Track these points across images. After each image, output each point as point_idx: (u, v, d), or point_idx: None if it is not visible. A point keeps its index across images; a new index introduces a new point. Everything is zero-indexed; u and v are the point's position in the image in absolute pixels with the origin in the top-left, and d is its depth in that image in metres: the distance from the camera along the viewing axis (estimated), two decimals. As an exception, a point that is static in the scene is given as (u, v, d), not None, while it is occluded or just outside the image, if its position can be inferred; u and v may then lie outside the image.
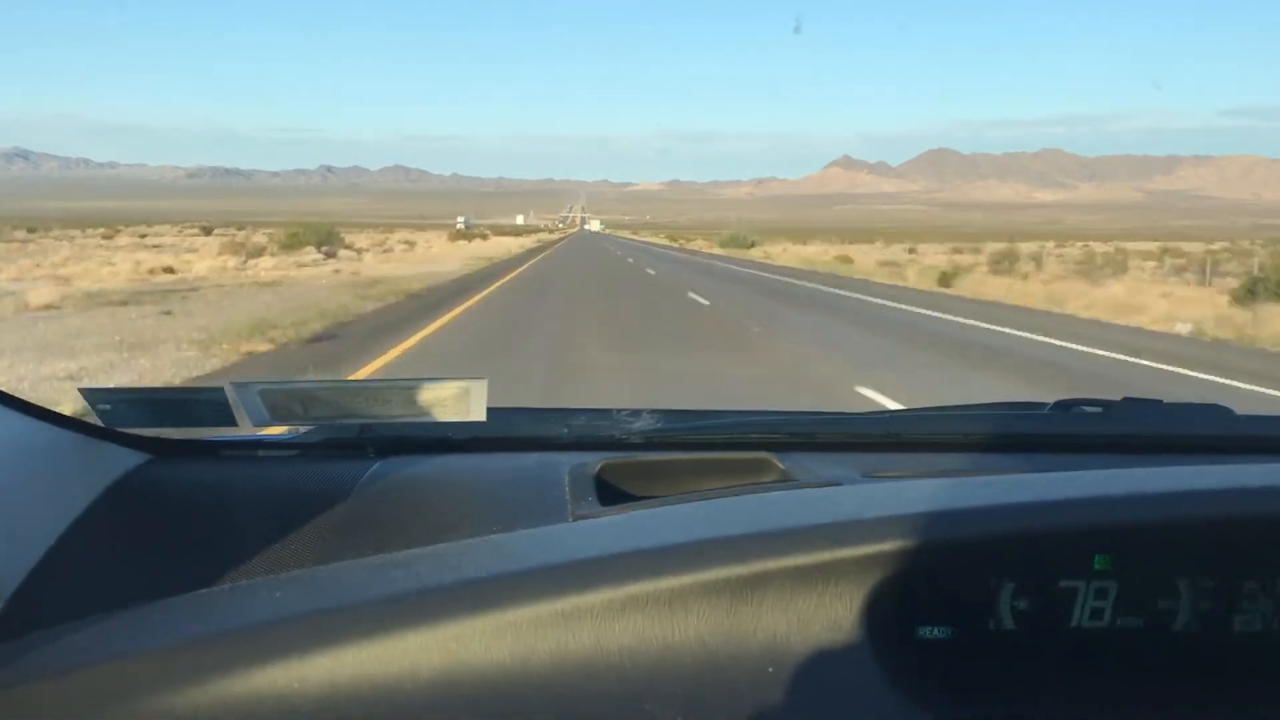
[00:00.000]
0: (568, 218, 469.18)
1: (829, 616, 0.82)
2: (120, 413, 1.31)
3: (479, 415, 1.27)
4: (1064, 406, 1.70)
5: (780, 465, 1.39)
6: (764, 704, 0.78)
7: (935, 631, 0.91)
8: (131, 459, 1.32)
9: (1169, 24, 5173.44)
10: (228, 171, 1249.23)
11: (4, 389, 1.17)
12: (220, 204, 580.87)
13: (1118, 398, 1.71)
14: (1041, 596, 0.91)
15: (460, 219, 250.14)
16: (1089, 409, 1.68)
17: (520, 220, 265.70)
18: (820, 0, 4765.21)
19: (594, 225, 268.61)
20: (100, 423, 1.29)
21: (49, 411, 1.22)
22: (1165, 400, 1.72)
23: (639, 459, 1.40)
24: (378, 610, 0.78)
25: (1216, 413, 1.69)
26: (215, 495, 1.31)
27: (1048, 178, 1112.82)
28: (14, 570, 1.04)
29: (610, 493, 1.29)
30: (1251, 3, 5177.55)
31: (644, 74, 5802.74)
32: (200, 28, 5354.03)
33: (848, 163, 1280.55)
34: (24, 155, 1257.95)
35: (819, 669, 0.80)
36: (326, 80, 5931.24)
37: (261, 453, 1.43)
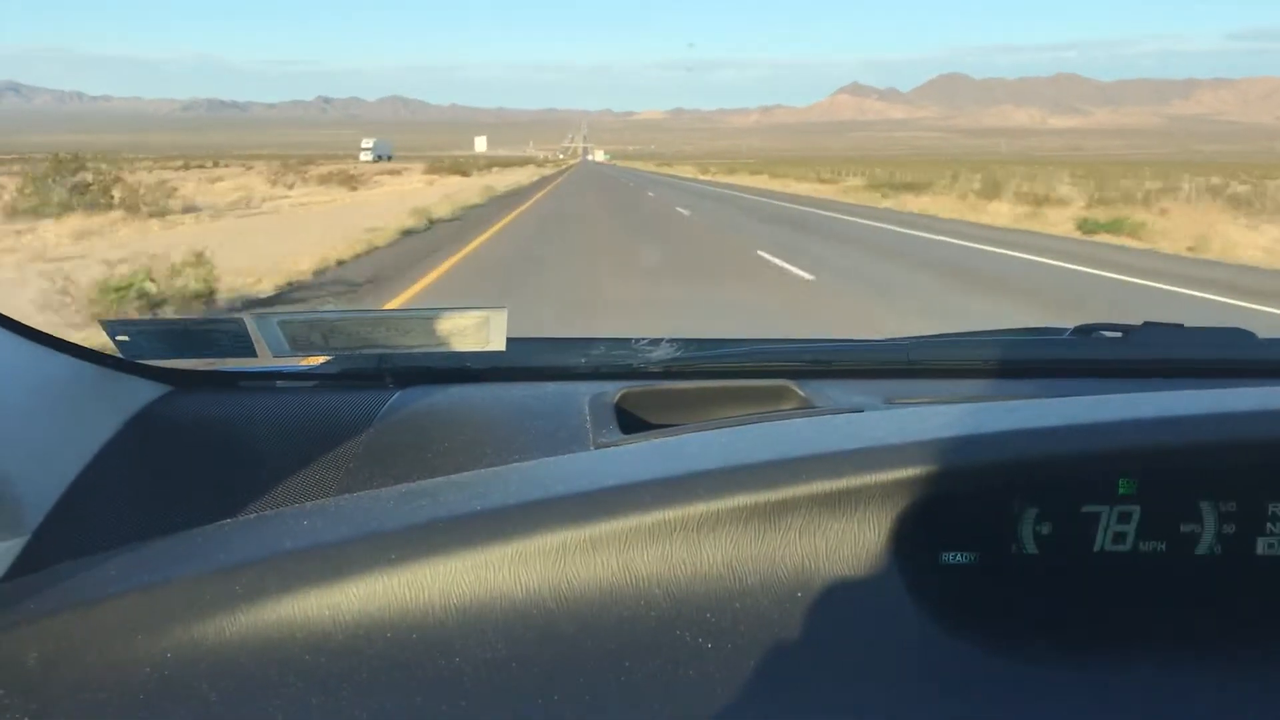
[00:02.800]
0: (569, 147, 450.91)
1: (857, 542, 0.83)
2: (139, 344, 1.30)
3: (499, 345, 1.28)
4: (1084, 331, 1.70)
5: (800, 392, 1.39)
6: (792, 629, 0.79)
7: (959, 557, 0.91)
8: (152, 391, 1.33)
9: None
10: (223, 104, 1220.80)
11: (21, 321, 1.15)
12: (216, 137, 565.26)
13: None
14: (1064, 521, 0.92)
15: (367, 144, 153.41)
16: (1109, 333, 1.68)
17: (481, 147, 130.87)
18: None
19: (598, 155, 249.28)
20: (120, 354, 1.29)
21: (68, 343, 1.22)
22: (1187, 324, 1.72)
23: (658, 387, 1.40)
24: (407, 538, 0.79)
25: (1238, 336, 1.69)
26: (237, 426, 1.32)
27: (1063, 103, 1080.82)
28: (40, 502, 1.05)
29: (630, 421, 1.30)
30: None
31: (648, 1, 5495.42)
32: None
33: (856, 89, 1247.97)
34: (15, 89, 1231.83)
35: (847, 594, 0.81)
36: (323, 10, 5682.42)
37: (281, 383, 1.44)
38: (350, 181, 42.90)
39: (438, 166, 70.66)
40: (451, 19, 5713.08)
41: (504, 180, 51.29)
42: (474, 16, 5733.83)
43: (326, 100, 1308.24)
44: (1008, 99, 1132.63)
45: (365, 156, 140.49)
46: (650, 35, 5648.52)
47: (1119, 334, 1.67)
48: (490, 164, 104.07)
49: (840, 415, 1.17)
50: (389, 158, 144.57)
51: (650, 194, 38.53)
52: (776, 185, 52.22)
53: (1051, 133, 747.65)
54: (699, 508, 0.81)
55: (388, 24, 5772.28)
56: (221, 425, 1.32)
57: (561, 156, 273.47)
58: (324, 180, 44.30)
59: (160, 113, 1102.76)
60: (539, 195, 36.32)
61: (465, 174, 60.87)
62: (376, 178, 53.53)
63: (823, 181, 51.77)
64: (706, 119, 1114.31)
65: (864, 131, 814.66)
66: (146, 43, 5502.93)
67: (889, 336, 1.75)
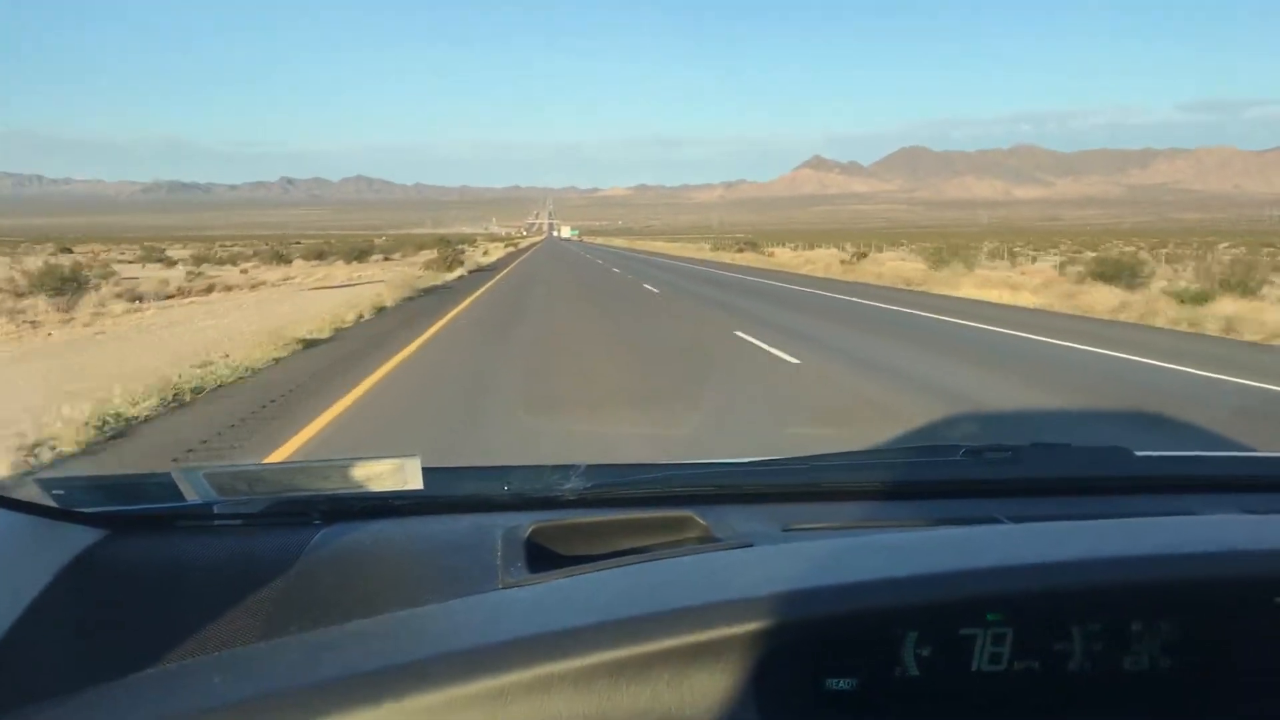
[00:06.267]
0: (534, 224, 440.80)
1: (722, 686, 0.88)
2: (75, 498, 1.35)
3: (415, 485, 1.36)
4: (975, 452, 1.75)
5: (702, 522, 1.43)
6: None
7: (842, 683, 0.95)
8: (88, 536, 1.34)
9: (1121, 23, 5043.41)
10: (185, 185, 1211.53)
11: None
12: (177, 219, 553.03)
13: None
14: (943, 644, 0.97)
15: None
16: (999, 454, 1.74)
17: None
18: (782, 1, 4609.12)
19: (565, 231, 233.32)
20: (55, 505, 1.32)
21: (2, 497, 1.24)
22: (1072, 444, 1.79)
23: (568, 521, 1.44)
24: (303, 696, 0.82)
25: (1117, 455, 1.77)
26: (169, 568, 1.33)
27: (1024, 174, 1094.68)
28: None
29: (541, 555, 1.33)
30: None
31: (609, 80, 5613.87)
32: (157, 41, 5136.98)
33: (819, 163, 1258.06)
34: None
35: None
36: (286, 92, 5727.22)
37: (214, 522, 1.45)
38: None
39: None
40: (416, 100, 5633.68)
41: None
42: (439, 97, 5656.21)
43: (290, 181, 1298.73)
44: (969, 171, 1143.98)
45: None
46: (615, 114, 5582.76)
47: (1008, 454, 1.73)
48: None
49: (730, 551, 1.24)
50: None
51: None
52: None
53: (1018, 203, 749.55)
54: (576, 663, 0.85)
55: (352, 105, 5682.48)
56: (152, 569, 1.33)
57: (525, 234, 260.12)
58: None
59: (121, 195, 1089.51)
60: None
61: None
62: None
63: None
64: (671, 194, 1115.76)
65: (829, 205, 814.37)
66: (111, 126, 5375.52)
67: (793, 456, 1.77)
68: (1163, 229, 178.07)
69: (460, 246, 66.16)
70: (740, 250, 68.65)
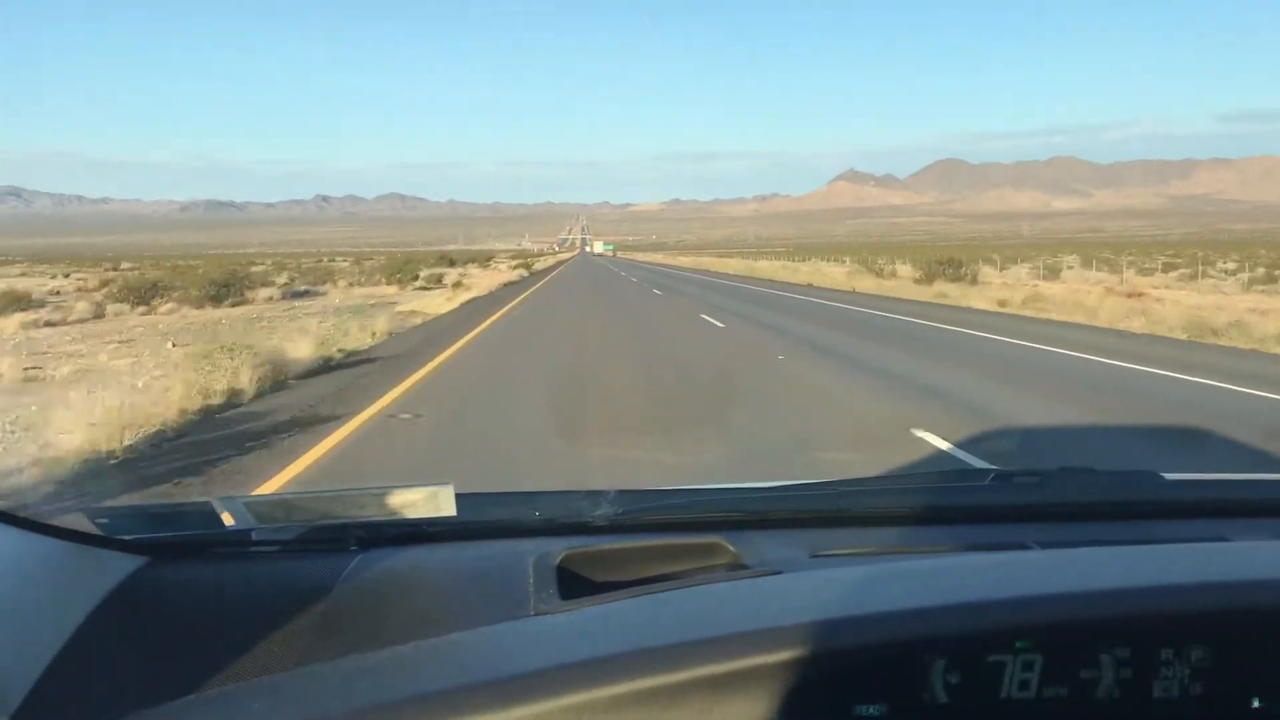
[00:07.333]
0: (567, 239, 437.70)
1: (752, 714, 0.89)
2: (118, 525, 1.38)
3: (449, 512, 1.41)
4: (1003, 477, 1.76)
5: (731, 548, 1.44)
6: None
7: (871, 710, 0.96)
8: (130, 563, 1.36)
9: (1156, 35, 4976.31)
10: (221, 204, 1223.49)
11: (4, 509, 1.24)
12: (213, 236, 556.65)
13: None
14: (972, 670, 0.98)
15: None
16: (1026, 479, 1.73)
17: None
18: (815, 14, 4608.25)
19: (597, 247, 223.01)
20: (100, 533, 1.35)
21: (50, 525, 1.28)
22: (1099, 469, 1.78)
23: (598, 548, 1.45)
24: None
25: (1146, 478, 1.76)
26: (210, 594, 1.37)
27: (1063, 185, 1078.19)
28: (20, 682, 1.08)
29: (572, 581, 1.35)
30: (1231, 9, 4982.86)
31: (641, 96, 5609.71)
32: (194, 63, 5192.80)
33: (854, 176, 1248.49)
34: (16, 193, 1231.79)
35: None
36: (321, 112, 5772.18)
37: (253, 549, 1.47)
38: None
39: None
40: (450, 118, 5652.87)
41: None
42: (472, 116, 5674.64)
43: (325, 199, 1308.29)
44: (1006, 183, 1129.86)
45: None
46: (647, 129, 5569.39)
47: (1036, 479, 1.73)
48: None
49: (760, 579, 1.24)
50: None
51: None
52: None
53: (1057, 215, 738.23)
54: (606, 692, 0.86)
55: (387, 124, 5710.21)
56: (192, 596, 1.36)
57: (556, 249, 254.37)
58: None
59: (158, 214, 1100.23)
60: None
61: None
62: None
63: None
64: (703, 209, 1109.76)
65: (866, 218, 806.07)
66: (149, 146, 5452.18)
67: (820, 481, 1.77)
68: (1212, 240, 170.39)
69: (435, 272, 44.53)
70: (931, 280, 32.22)
